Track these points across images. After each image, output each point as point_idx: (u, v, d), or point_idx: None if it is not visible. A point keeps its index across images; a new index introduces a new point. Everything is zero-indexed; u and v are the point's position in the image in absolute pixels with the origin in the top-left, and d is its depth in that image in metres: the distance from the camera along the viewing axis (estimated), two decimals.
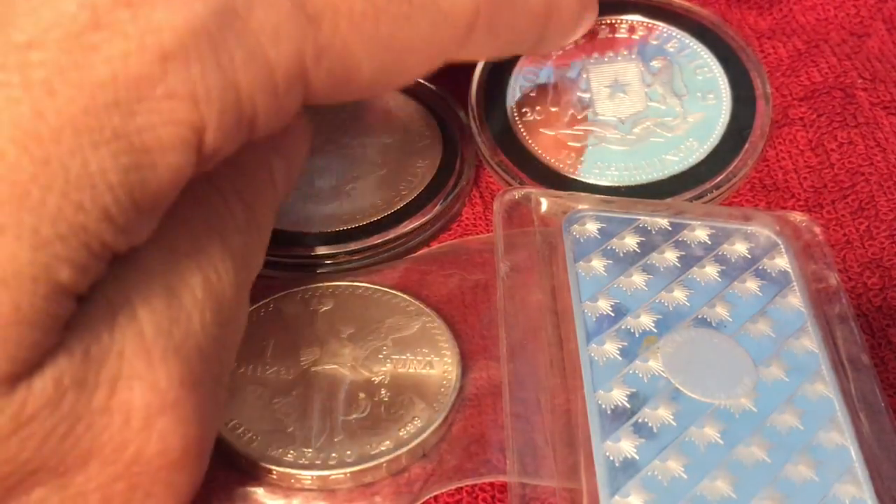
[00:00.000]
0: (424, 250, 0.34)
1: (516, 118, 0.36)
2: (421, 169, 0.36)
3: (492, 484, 0.28)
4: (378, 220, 0.34)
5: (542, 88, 0.37)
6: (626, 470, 0.26)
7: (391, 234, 0.33)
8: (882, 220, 0.35)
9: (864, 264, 0.33)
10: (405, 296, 0.32)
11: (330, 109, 0.38)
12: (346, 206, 0.34)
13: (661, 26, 0.39)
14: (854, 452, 0.26)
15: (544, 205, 0.33)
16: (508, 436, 0.28)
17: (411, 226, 0.34)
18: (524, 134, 0.36)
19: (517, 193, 0.33)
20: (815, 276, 0.31)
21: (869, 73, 0.39)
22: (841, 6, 0.42)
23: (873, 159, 0.36)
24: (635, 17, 0.39)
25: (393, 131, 0.37)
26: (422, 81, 0.38)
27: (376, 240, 0.33)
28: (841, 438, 0.27)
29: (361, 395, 0.29)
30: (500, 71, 0.38)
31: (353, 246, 0.33)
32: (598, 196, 0.33)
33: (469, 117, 0.36)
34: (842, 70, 0.39)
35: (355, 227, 0.34)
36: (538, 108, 0.37)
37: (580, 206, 0.32)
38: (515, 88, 0.37)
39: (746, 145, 0.35)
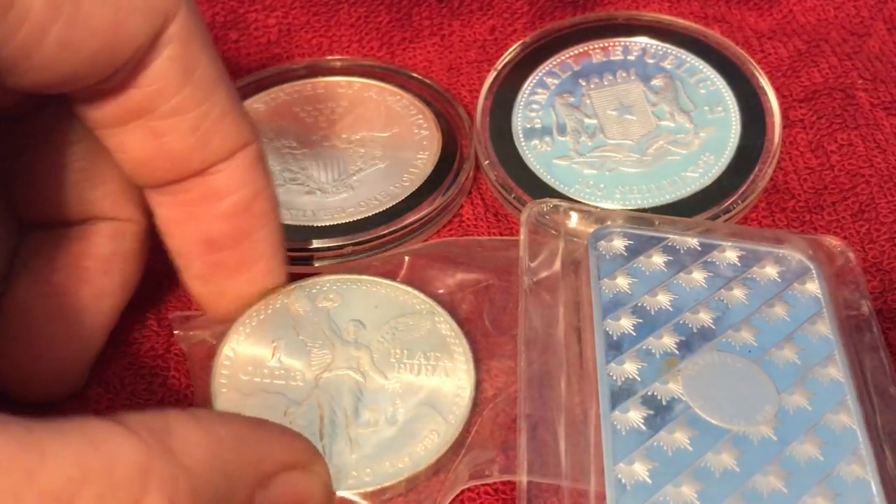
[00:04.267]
0: (428, 246, 0.34)
1: (527, 152, 0.36)
2: (421, 160, 0.36)
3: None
4: (382, 211, 0.34)
5: (546, 119, 0.37)
6: (638, 494, 0.25)
7: (396, 225, 0.34)
8: (882, 222, 0.34)
9: (864, 268, 0.33)
10: (415, 292, 0.31)
11: (326, 105, 0.38)
12: (350, 198, 0.35)
13: (656, 44, 0.39)
14: (875, 487, 0.26)
15: (573, 219, 0.32)
16: (522, 444, 0.27)
17: (415, 216, 0.34)
18: (538, 167, 0.36)
19: (545, 206, 0.33)
20: (846, 303, 0.30)
21: (870, 73, 0.38)
22: (841, 6, 0.41)
23: (873, 161, 0.36)
24: (628, 39, 0.39)
25: (390, 125, 0.37)
26: (415, 75, 0.39)
27: (382, 230, 0.34)
28: (862, 472, 0.26)
29: (377, 408, 0.28)
30: (502, 107, 0.38)
31: (358, 237, 0.34)
32: (627, 212, 0.33)
33: (479, 157, 0.36)
34: (842, 70, 0.39)
35: (360, 219, 0.34)
36: (546, 139, 0.37)
37: (608, 223, 0.32)
38: (520, 122, 0.37)
39: (763, 152, 0.35)
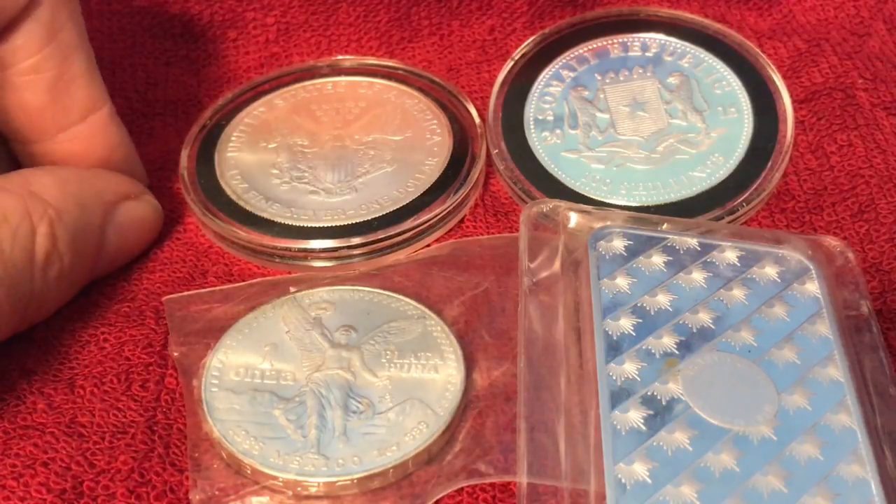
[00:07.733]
0: (425, 251, 0.34)
1: (536, 144, 0.36)
2: (429, 167, 0.36)
3: (492, 484, 0.28)
4: (382, 215, 0.34)
5: (558, 111, 0.37)
6: (638, 494, 0.25)
7: (394, 231, 0.34)
8: (882, 223, 0.34)
9: (864, 268, 0.33)
10: (407, 299, 0.32)
11: (343, 105, 0.38)
12: (352, 200, 0.35)
13: (674, 42, 0.39)
14: (875, 487, 0.26)
15: (573, 219, 0.32)
16: (521, 445, 0.27)
17: (415, 223, 0.34)
18: (546, 159, 0.36)
19: (545, 206, 0.33)
20: (846, 303, 0.30)
21: (870, 73, 0.38)
22: (841, 6, 0.41)
23: (873, 161, 0.36)
24: (647, 35, 0.39)
25: (404, 128, 0.37)
26: (437, 80, 0.39)
27: (379, 234, 0.33)
28: (862, 471, 0.26)
29: (366, 400, 0.29)
30: (515, 97, 0.38)
31: (354, 240, 0.33)
32: (627, 213, 0.33)
33: (488, 145, 0.36)
34: (842, 70, 0.39)
35: (359, 222, 0.34)
36: (557, 131, 0.37)
37: (608, 223, 0.32)
38: (532, 113, 0.37)
39: (773, 156, 0.35)
